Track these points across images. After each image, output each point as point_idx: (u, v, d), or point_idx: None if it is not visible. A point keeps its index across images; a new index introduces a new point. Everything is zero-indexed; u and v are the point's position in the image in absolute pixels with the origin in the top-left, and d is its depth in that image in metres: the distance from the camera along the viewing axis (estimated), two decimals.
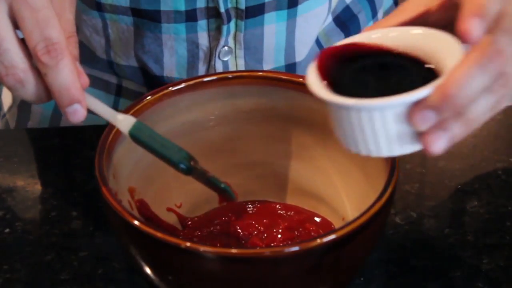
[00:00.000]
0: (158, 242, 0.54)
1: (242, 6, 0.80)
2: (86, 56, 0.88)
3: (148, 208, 0.66)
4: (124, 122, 0.60)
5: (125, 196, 0.63)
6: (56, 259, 0.70)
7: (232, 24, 0.82)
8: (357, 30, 0.93)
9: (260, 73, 0.67)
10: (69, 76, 0.57)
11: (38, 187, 0.77)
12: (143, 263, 0.57)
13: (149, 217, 0.66)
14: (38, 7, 0.56)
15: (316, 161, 0.69)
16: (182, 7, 0.80)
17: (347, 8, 0.92)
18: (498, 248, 0.70)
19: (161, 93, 0.65)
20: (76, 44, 0.60)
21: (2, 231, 0.72)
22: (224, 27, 0.81)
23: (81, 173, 0.78)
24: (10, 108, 0.98)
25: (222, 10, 0.80)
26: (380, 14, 0.96)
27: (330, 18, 0.91)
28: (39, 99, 0.58)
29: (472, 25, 0.51)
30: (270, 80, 0.67)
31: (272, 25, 0.83)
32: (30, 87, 0.58)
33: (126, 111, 0.63)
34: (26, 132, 0.88)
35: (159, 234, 0.54)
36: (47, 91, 0.58)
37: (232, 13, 0.81)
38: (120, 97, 0.91)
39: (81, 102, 0.57)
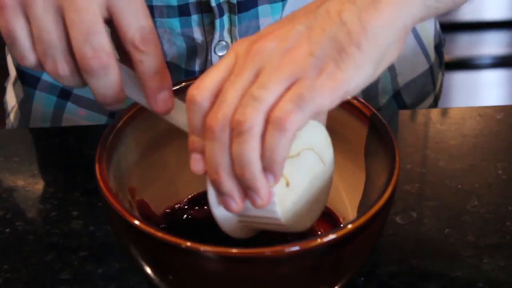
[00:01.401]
0: (158, 242, 0.54)
1: (234, 0, 0.80)
2: None
3: (148, 208, 0.66)
4: None
5: (125, 196, 0.63)
6: (56, 258, 0.70)
7: (226, 18, 0.81)
8: None
9: None
10: (160, 61, 0.58)
11: (38, 187, 0.77)
12: (143, 263, 0.57)
13: (149, 217, 0.66)
14: (137, 0, 0.58)
15: None
16: (174, 2, 0.80)
17: None
18: (499, 248, 0.70)
19: None
20: None
21: (2, 230, 0.72)
22: (217, 22, 0.81)
23: (81, 172, 0.78)
24: (13, 107, 0.98)
25: (214, 4, 0.79)
26: None
27: None
28: (112, 93, 0.59)
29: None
30: None
31: (268, 18, 0.83)
32: (111, 74, 0.58)
33: (127, 110, 0.63)
34: (27, 132, 0.88)
35: (159, 234, 0.54)
36: (119, 85, 0.58)
37: (225, 7, 0.80)
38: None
39: (170, 88, 0.59)
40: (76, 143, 0.83)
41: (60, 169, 0.80)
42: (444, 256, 0.69)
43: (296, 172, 0.58)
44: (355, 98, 0.64)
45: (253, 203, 0.55)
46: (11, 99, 0.99)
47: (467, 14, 1.90)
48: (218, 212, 0.58)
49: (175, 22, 0.82)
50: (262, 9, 0.82)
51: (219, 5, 0.80)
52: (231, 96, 0.53)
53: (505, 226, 0.72)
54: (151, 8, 0.81)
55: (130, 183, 0.64)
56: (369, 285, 0.67)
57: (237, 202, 0.55)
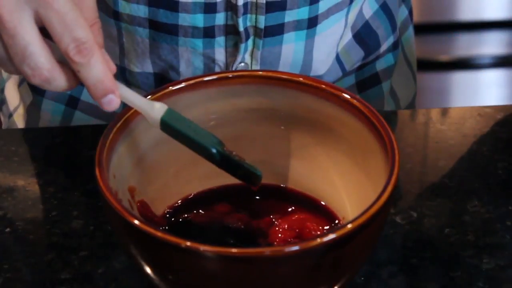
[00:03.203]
0: (158, 242, 0.54)
1: (261, 25, 0.80)
2: None
3: (149, 210, 0.66)
4: (157, 109, 0.61)
5: (125, 195, 0.63)
6: (56, 258, 0.70)
7: (250, 41, 0.81)
8: (377, 46, 0.92)
9: (260, 72, 0.67)
10: (101, 70, 0.59)
11: (38, 187, 0.77)
12: (143, 263, 0.57)
13: (150, 218, 0.66)
14: (65, 10, 0.59)
15: (316, 161, 0.69)
16: (200, 23, 0.80)
17: (367, 24, 0.91)
18: (499, 248, 0.70)
19: (161, 93, 0.65)
20: (99, 30, 0.63)
21: (2, 230, 0.72)
22: (242, 45, 0.81)
23: (81, 172, 0.78)
24: (16, 108, 0.97)
25: (241, 29, 0.79)
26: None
27: (349, 35, 0.90)
28: (66, 89, 0.61)
29: None
30: (270, 80, 0.67)
31: (291, 44, 0.83)
32: (56, 83, 0.60)
33: (127, 110, 0.63)
34: (27, 132, 0.88)
35: (159, 234, 0.54)
36: (72, 81, 0.60)
37: (251, 31, 0.80)
38: (127, 105, 0.90)
39: (115, 92, 0.60)
40: (76, 143, 0.83)
41: (60, 169, 0.80)
42: (444, 256, 0.69)
43: None
44: (354, 98, 0.64)
45: None
46: (13, 99, 0.98)
47: (467, 14, 1.90)
48: None
49: (199, 43, 0.82)
50: (287, 36, 0.82)
51: (245, 29, 0.80)
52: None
53: (505, 226, 0.72)
54: (176, 27, 0.81)
55: (130, 183, 0.64)
56: (369, 285, 0.67)
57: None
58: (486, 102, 1.86)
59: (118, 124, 0.62)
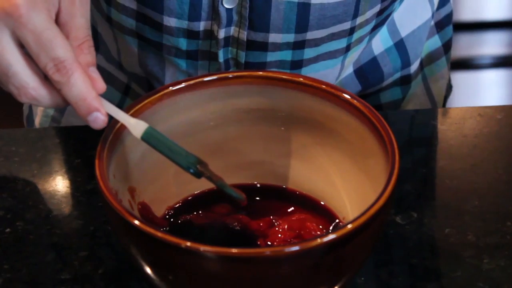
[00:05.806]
0: (158, 242, 0.54)
1: (242, 60, 0.80)
2: (104, 51, 0.88)
3: (150, 211, 0.66)
4: (136, 127, 0.61)
5: (125, 196, 0.63)
6: (56, 259, 0.70)
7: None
8: (379, 81, 0.90)
9: (260, 73, 0.67)
10: (82, 88, 0.59)
11: (38, 187, 0.77)
12: (143, 263, 0.57)
13: (151, 219, 0.66)
14: (39, 30, 0.58)
15: (316, 161, 0.69)
16: (183, 47, 0.80)
17: (373, 61, 0.89)
18: (499, 248, 0.70)
19: (161, 93, 0.65)
20: (90, 48, 0.62)
21: (2, 230, 0.72)
22: None
23: (81, 172, 0.78)
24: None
25: (221, 60, 0.79)
26: (415, 64, 0.92)
27: (350, 70, 0.88)
28: (56, 106, 0.61)
29: None
30: (270, 80, 0.67)
31: None
32: (44, 100, 0.60)
33: (126, 111, 0.63)
34: (27, 132, 0.88)
35: (159, 234, 0.54)
36: (62, 98, 0.60)
37: (232, 63, 0.80)
38: (127, 97, 0.91)
39: (99, 110, 0.59)
40: (76, 143, 0.83)
41: (60, 169, 0.80)
42: (444, 256, 0.69)
43: None
44: (354, 98, 0.64)
45: None
46: None
47: (467, 14, 1.90)
48: None
49: (182, 63, 0.82)
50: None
51: (226, 61, 0.80)
52: None
53: (505, 226, 0.72)
54: (161, 45, 0.81)
55: (130, 183, 0.64)
56: (369, 285, 0.67)
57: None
58: (486, 102, 1.86)
59: (118, 125, 0.62)
